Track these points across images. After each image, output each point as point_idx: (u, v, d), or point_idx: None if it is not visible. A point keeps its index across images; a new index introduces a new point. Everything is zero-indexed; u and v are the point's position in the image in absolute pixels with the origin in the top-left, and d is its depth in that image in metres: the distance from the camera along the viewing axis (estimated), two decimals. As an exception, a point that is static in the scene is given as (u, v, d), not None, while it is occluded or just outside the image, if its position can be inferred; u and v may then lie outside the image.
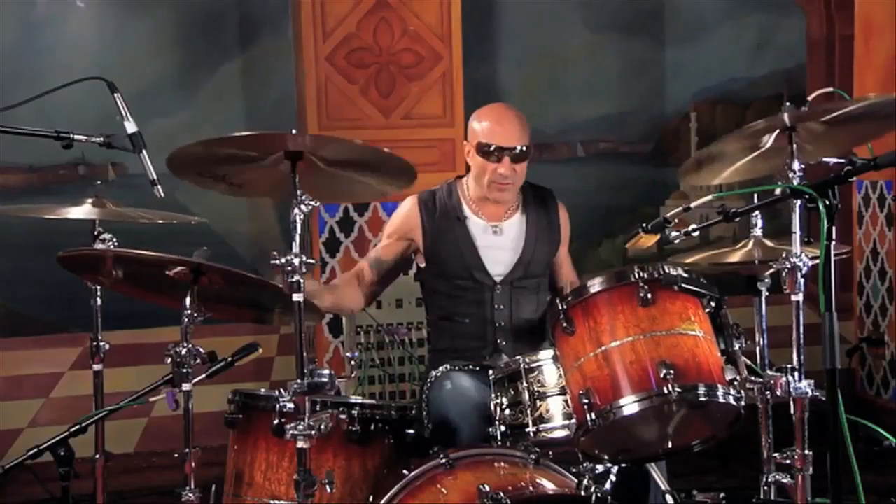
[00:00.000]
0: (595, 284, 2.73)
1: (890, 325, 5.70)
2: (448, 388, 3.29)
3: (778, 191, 2.69)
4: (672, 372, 2.56)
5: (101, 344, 3.42)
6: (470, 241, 3.51)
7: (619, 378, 2.61)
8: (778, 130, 2.78)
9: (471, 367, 3.39)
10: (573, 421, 2.71)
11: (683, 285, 2.68)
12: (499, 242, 3.53)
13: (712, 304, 2.71)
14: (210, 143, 2.66)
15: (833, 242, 2.41)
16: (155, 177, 2.80)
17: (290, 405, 2.54)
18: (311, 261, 2.59)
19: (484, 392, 3.18)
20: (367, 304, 3.69)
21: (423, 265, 3.59)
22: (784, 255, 2.69)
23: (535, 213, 3.57)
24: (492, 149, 3.43)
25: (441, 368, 3.42)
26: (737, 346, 2.72)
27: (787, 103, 2.85)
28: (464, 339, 3.48)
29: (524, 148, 3.44)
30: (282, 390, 2.58)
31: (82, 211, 3.34)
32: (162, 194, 2.80)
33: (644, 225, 3.07)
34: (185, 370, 2.81)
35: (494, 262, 3.51)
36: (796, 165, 2.68)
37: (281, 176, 2.70)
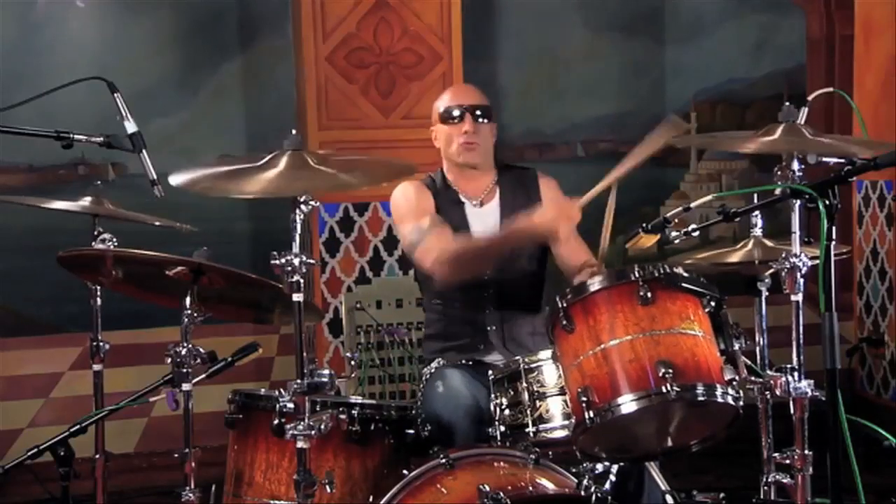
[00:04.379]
0: (595, 283, 2.73)
1: (890, 325, 5.70)
2: (440, 389, 3.29)
3: (778, 191, 2.69)
4: (671, 371, 2.55)
5: (101, 344, 3.42)
6: (466, 225, 3.52)
7: (617, 376, 2.61)
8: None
9: (463, 361, 3.40)
10: (573, 421, 2.71)
11: (683, 285, 2.68)
12: (486, 224, 3.52)
13: (712, 303, 2.71)
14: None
15: (833, 242, 2.41)
16: (155, 177, 2.80)
17: (290, 405, 2.54)
18: (312, 261, 2.59)
19: (477, 390, 3.19)
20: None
21: None
22: (784, 255, 2.69)
23: (512, 195, 3.57)
24: (453, 110, 3.53)
25: (433, 365, 3.43)
26: (737, 346, 2.72)
27: (787, 104, 2.85)
28: (454, 324, 3.49)
29: (484, 108, 3.53)
30: (282, 390, 2.58)
31: (80, 205, 3.34)
32: (162, 194, 2.80)
33: (644, 225, 3.07)
34: (185, 370, 2.81)
35: None
36: (796, 165, 2.68)
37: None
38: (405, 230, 3.50)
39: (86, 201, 3.37)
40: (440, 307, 3.54)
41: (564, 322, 2.71)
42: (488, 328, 3.46)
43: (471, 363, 3.39)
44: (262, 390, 3.10)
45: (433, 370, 3.42)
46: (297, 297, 2.57)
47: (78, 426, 3.14)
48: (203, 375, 2.97)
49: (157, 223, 3.45)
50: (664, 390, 2.55)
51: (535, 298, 3.52)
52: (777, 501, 2.84)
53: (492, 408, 2.92)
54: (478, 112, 3.52)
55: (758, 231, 3.13)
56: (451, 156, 3.55)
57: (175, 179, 2.69)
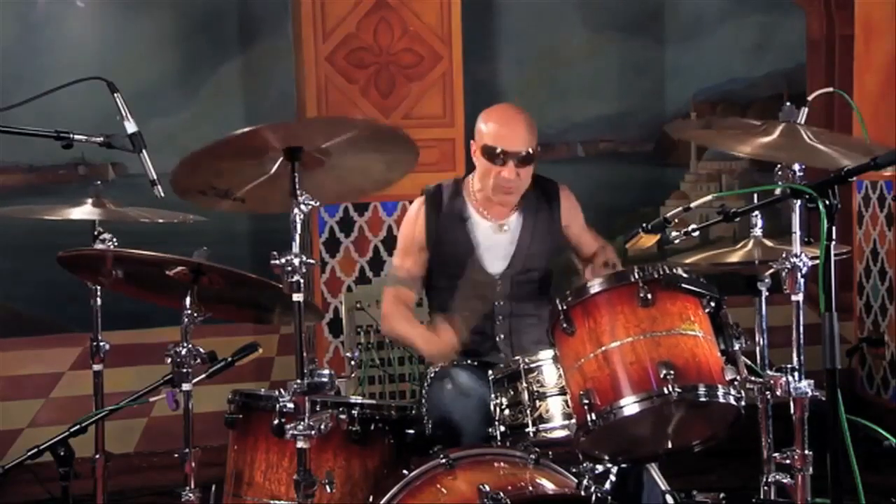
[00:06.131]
0: (595, 285, 2.74)
1: (890, 325, 5.69)
2: (449, 387, 3.28)
3: (778, 191, 2.68)
4: (672, 372, 2.55)
5: (101, 344, 3.42)
6: (470, 243, 3.52)
7: (619, 378, 2.61)
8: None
9: (468, 362, 3.40)
10: (573, 421, 2.71)
11: (683, 285, 2.68)
12: (501, 240, 3.53)
13: (712, 304, 2.71)
14: (209, 150, 2.63)
15: (833, 242, 2.41)
16: (155, 177, 2.80)
17: (290, 405, 2.54)
18: (312, 261, 2.59)
19: (484, 389, 3.18)
20: None
21: None
22: (784, 255, 2.69)
23: (535, 206, 3.57)
24: (497, 152, 3.41)
25: (439, 364, 3.42)
26: (737, 346, 2.72)
27: (788, 104, 2.85)
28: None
29: (529, 152, 3.41)
30: (282, 390, 2.58)
31: (82, 211, 3.34)
32: (162, 194, 2.79)
33: (644, 225, 3.07)
34: (185, 370, 2.81)
35: (494, 260, 3.51)
36: (796, 165, 2.68)
37: (284, 185, 2.65)
38: (392, 261, 3.70)
39: (87, 203, 3.36)
40: (449, 315, 3.52)
41: (565, 325, 2.71)
42: (498, 337, 3.47)
43: (476, 364, 3.38)
44: (262, 390, 3.10)
45: (438, 368, 3.41)
46: (297, 297, 2.57)
47: (78, 426, 3.14)
48: (203, 375, 2.97)
49: (161, 220, 3.45)
50: (666, 391, 2.56)
51: (543, 296, 3.52)
52: (777, 501, 2.83)
53: (492, 408, 2.92)
54: (523, 158, 3.41)
55: (758, 231, 3.13)
56: (485, 189, 3.50)
57: None
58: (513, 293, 3.49)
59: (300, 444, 2.54)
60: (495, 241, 3.54)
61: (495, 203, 3.52)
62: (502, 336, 3.47)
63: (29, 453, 3.10)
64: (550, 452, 2.84)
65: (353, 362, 3.06)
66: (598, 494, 2.65)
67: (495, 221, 3.55)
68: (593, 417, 2.60)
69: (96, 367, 3.43)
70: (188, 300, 2.82)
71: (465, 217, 3.54)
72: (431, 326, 3.42)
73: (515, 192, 3.48)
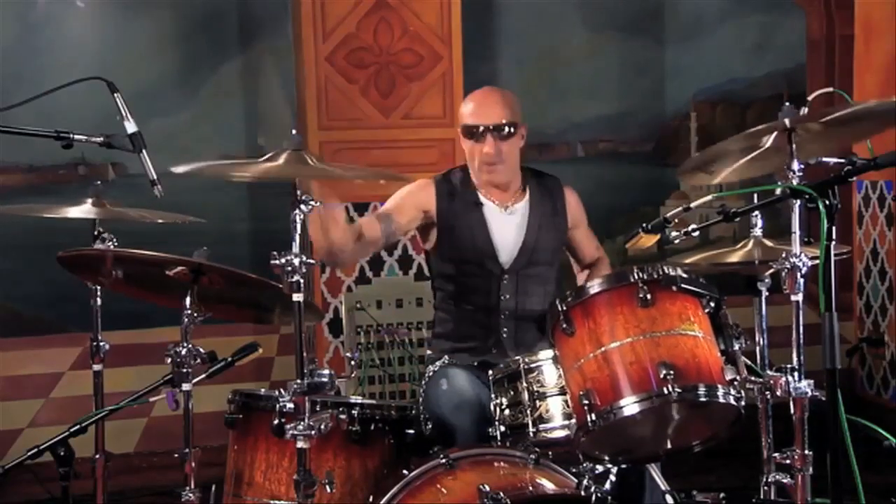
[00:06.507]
0: (595, 285, 2.74)
1: (890, 325, 5.70)
2: (444, 387, 3.29)
3: (778, 191, 2.68)
4: (672, 372, 2.56)
5: (101, 344, 3.42)
6: (484, 226, 3.50)
7: (619, 379, 2.61)
8: (777, 132, 2.78)
9: (471, 363, 3.40)
10: (573, 421, 2.71)
11: (683, 285, 2.68)
12: (510, 227, 3.51)
13: (712, 304, 2.72)
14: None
15: (833, 242, 2.41)
16: (155, 177, 2.80)
17: (290, 405, 2.54)
18: (312, 261, 2.59)
19: (480, 389, 3.19)
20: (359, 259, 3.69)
21: (429, 247, 3.57)
22: (784, 255, 2.69)
23: (540, 201, 3.56)
24: (474, 129, 3.42)
25: (438, 363, 3.42)
26: (737, 346, 2.72)
27: (787, 104, 2.85)
28: (467, 326, 3.48)
29: (507, 125, 3.41)
30: (282, 390, 2.58)
31: (82, 211, 3.34)
32: (162, 194, 2.80)
33: (644, 225, 3.07)
34: (185, 370, 2.82)
35: (503, 249, 3.50)
36: (796, 165, 2.68)
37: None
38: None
39: (87, 203, 3.36)
40: (453, 308, 3.53)
41: (564, 325, 2.71)
42: (503, 332, 3.46)
43: (476, 364, 3.38)
44: (262, 390, 3.10)
45: (437, 368, 3.41)
46: (297, 297, 2.57)
47: (78, 426, 3.14)
48: (203, 375, 2.97)
49: (160, 220, 3.45)
50: (666, 391, 2.56)
51: (548, 295, 3.51)
52: (777, 501, 2.83)
53: (492, 408, 2.92)
54: (501, 131, 3.41)
55: (758, 231, 3.13)
56: (474, 171, 3.51)
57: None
58: (519, 288, 3.48)
59: (300, 444, 2.54)
60: (504, 228, 3.52)
61: (493, 186, 3.51)
62: (506, 332, 3.46)
63: (29, 453, 3.10)
64: (550, 452, 2.84)
65: (353, 362, 3.06)
66: (598, 494, 2.65)
67: (500, 202, 3.53)
68: (593, 418, 2.61)
69: (96, 367, 3.43)
70: (188, 300, 2.83)
71: (478, 202, 3.53)
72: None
73: (499, 169, 3.46)
